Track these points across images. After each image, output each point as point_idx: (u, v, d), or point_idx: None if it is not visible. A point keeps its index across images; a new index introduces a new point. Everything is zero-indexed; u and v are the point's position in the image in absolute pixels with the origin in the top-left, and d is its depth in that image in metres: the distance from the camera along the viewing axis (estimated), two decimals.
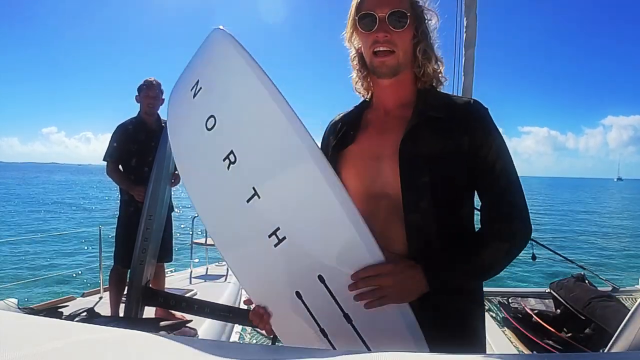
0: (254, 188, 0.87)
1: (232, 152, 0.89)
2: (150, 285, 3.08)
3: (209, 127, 0.92)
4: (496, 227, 0.97)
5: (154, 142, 3.24)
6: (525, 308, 3.81)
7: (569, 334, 3.33)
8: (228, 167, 0.89)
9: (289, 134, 0.84)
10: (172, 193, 3.37)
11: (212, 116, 0.92)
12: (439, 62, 1.07)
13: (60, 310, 3.41)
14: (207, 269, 5.56)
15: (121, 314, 3.18)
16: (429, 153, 0.96)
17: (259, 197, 0.87)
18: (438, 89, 1.10)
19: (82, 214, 25.76)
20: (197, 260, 5.99)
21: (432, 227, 0.96)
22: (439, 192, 0.96)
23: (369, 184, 1.03)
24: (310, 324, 0.94)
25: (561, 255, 4.59)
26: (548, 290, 4.07)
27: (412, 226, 0.96)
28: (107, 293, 3.56)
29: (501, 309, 3.95)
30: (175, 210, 3.66)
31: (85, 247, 13.21)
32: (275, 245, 0.87)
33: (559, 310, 3.74)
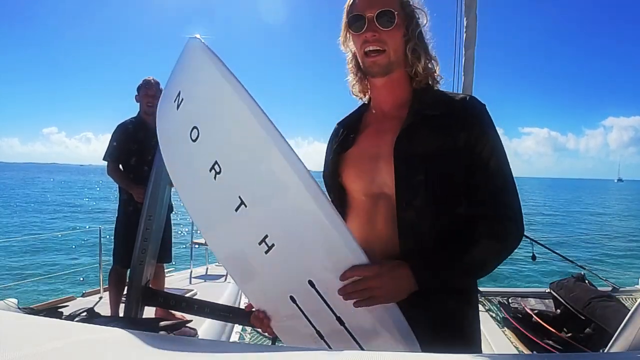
0: (240, 197, 0.87)
1: (216, 162, 0.89)
2: (150, 286, 3.08)
3: (193, 138, 0.92)
4: (489, 226, 0.95)
5: (153, 141, 3.24)
6: (525, 308, 3.81)
7: (569, 334, 3.33)
8: (215, 177, 0.90)
9: (265, 142, 0.84)
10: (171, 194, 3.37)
11: (195, 127, 0.92)
12: (432, 61, 1.07)
13: (60, 310, 3.40)
14: (207, 269, 5.55)
15: (121, 314, 3.18)
16: (424, 151, 0.96)
17: (245, 205, 0.87)
18: (435, 88, 1.10)
19: (82, 213, 25.75)
20: (197, 260, 5.99)
21: (427, 226, 0.96)
22: (434, 190, 0.96)
23: (368, 184, 1.03)
24: (306, 326, 0.95)
25: (561, 255, 4.59)
26: (548, 290, 4.07)
27: (406, 224, 0.96)
28: (107, 293, 3.56)
29: (501, 309, 3.95)
30: (175, 210, 3.67)
31: (86, 247, 13.20)
32: (266, 252, 0.88)
33: (559, 310, 3.74)
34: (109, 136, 3.40)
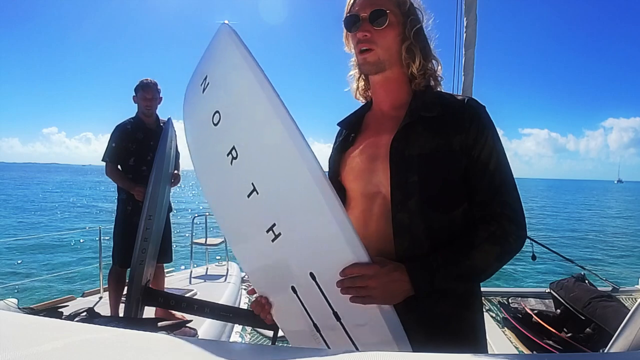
0: (252, 184, 0.90)
1: (234, 147, 0.91)
2: (150, 286, 3.08)
3: (215, 122, 0.95)
4: (488, 228, 0.94)
5: (152, 142, 3.24)
6: (525, 308, 3.81)
7: (569, 334, 3.34)
8: (231, 163, 0.92)
9: (281, 133, 0.85)
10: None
11: (217, 112, 0.94)
12: (433, 61, 1.07)
13: (60, 310, 3.40)
14: (207, 269, 5.56)
15: (121, 314, 3.18)
16: (420, 152, 0.96)
17: (257, 193, 0.90)
18: (437, 89, 1.09)
19: (82, 214, 25.75)
20: (197, 260, 5.99)
21: (421, 227, 0.95)
22: (429, 191, 0.95)
23: (365, 184, 1.04)
24: (305, 317, 0.96)
25: (561, 255, 4.59)
26: (548, 290, 4.08)
27: (400, 225, 0.96)
28: (107, 293, 3.56)
29: (501, 309, 3.95)
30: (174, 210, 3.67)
31: (86, 247, 13.21)
32: (273, 241, 0.90)
33: (559, 310, 3.74)
34: (108, 136, 3.40)
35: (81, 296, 4.38)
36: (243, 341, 3.66)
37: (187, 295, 3.82)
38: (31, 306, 3.60)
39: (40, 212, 25.87)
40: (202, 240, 6.00)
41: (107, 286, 3.60)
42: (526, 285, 8.74)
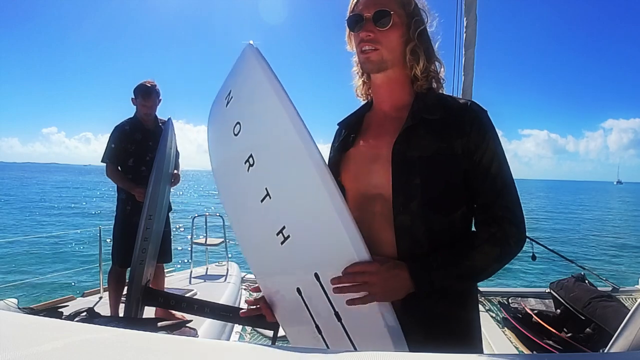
0: (266, 189, 0.95)
1: (251, 155, 0.98)
2: (150, 286, 3.08)
3: (236, 132, 1.02)
4: (488, 230, 0.96)
5: (150, 142, 3.24)
6: (525, 308, 3.81)
7: (569, 334, 3.34)
8: (248, 170, 0.99)
9: (295, 143, 0.90)
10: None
11: (238, 123, 1.02)
12: (436, 63, 1.07)
13: (60, 310, 3.41)
14: (207, 269, 5.56)
15: (121, 314, 3.18)
16: (422, 155, 0.96)
17: (270, 197, 0.95)
18: (439, 91, 1.09)
19: (82, 213, 25.75)
20: (197, 260, 5.99)
21: (422, 229, 0.96)
22: (430, 194, 0.96)
23: (365, 185, 1.04)
24: (307, 318, 0.98)
25: (561, 255, 4.59)
26: (548, 290, 4.08)
27: (401, 227, 0.96)
28: (107, 293, 3.56)
29: (501, 309, 3.95)
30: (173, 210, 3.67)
31: (86, 247, 13.20)
32: (282, 243, 0.94)
33: (559, 310, 3.74)
34: (108, 137, 3.40)
35: (81, 296, 4.38)
36: (243, 341, 3.66)
37: (187, 295, 3.82)
38: (31, 306, 3.61)
39: (40, 212, 25.86)
40: (202, 241, 6.01)
41: (107, 286, 3.60)
42: (526, 285, 8.73)
